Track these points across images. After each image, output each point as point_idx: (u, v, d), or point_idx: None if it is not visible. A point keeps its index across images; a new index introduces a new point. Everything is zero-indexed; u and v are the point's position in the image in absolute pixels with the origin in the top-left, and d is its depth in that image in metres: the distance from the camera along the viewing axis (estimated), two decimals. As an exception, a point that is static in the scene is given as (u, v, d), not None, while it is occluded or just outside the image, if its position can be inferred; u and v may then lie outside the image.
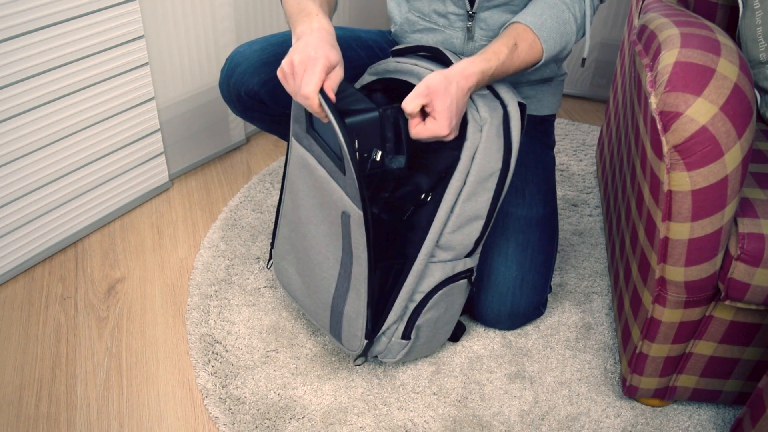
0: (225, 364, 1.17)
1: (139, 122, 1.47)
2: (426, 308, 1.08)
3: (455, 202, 1.02)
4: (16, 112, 1.23)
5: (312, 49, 0.92)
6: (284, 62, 0.94)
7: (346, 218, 0.99)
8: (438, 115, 0.93)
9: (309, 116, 1.04)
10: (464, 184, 1.02)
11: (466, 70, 0.97)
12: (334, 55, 0.94)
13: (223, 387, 1.13)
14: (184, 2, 1.47)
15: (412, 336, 1.09)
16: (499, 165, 1.03)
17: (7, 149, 1.24)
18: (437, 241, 1.04)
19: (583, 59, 1.11)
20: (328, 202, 1.02)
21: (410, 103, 0.93)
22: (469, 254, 1.09)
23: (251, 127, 1.83)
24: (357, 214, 0.96)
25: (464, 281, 1.11)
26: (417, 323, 1.08)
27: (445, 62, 1.06)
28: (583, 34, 1.11)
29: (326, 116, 0.94)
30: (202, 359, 1.18)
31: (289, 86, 0.95)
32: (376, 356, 1.13)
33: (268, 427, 1.07)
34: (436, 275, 1.06)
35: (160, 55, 1.47)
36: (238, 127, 1.75)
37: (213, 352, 1.19)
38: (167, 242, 1.46)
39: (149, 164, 1.54)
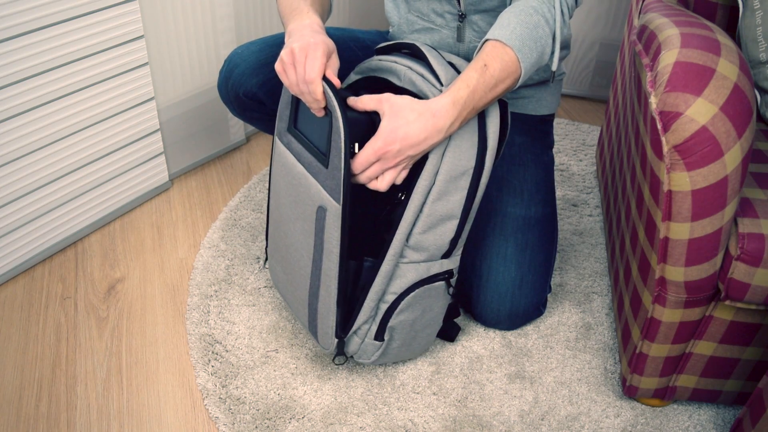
0: (225, 364, 1.17)
1: (139, 122, 1.47)
2: (398, 310, 1.05)
3: (424, 201, 0.98)
4: (16, 112, 1.23)
5: (310, 37, 0.93)
6: (283, 53, 0.94)
7: (321, 213, 0.98)
8: (377, 134, 0.92)
9: (293, 114, 1.04)
10: (433, 183, 0.98)
11: (434, 105, 0.92)
12: (331, 42, 0.95)
13: (223, 387, 1.13)
14: (184, 2, 1.47)
15: (386, 337, 1.08)
16: (472, 163, 0.98)
17: (7, 149, 1.24)
18: (406, 242, 1.01)
19: (553, 73, 1.02)
20: (304, 199, 1.02)
21: (360, 101, 0.93)
22: (446, 255, 1.05)
23: (251, 127, 1.83)
24: (334, 207, 0.95)
25: (441, 283, 1.08)
26: (390, 324, 1.07)
27: (421, 57, 1.03)
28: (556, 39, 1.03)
29: (322, 108, 0.95)
30: (202, 359, 1.18)
31: (289, 76, 0.95)
32: (351, 356, 1.13)
33: (268, 427, 1.07)
34: (409, 276, 1.03)
35: (160, 55, 1.47)
36: (238, 127, 1.75)
37: (213, 352, 1.19)
38: (167, 242, 1.46)
39: (149, 164, 1.54)
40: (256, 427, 1.07)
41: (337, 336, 1.05)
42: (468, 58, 1.19)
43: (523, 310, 1.20)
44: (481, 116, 0.99)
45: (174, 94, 1.55)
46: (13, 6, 1.15)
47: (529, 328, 1.27)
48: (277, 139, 1.09)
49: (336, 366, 1.18)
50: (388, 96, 0.92)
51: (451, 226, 1.02)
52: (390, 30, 1.29)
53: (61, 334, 1.23)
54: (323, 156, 0.97)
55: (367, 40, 1.29)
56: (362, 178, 0.95)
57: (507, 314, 1.20)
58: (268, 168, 1.69)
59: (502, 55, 0.94)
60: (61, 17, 1.23)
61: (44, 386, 1.14)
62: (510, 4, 1.09)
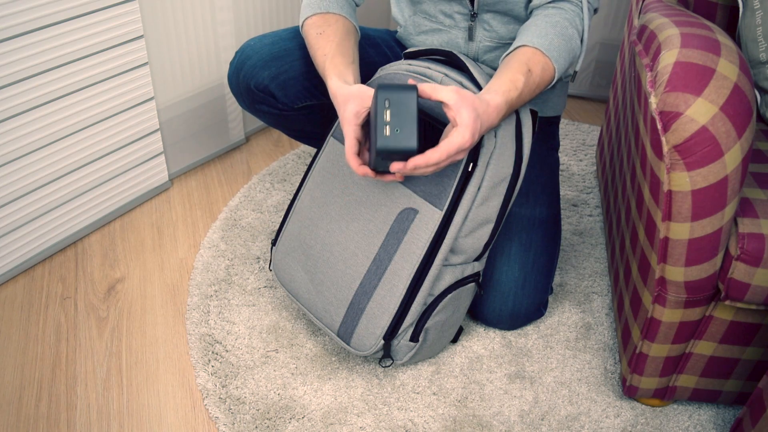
0: (225, 364, 1.17)
1: (139, 122, 1.47)
2: (435, 311, 1.08)
3: (470, 207, 1.03)
4: (16, 112, 1.23)
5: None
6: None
7: (409, 215, 1.02)
8: (463, 125, 0.87)
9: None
10: (479, 189, 1.02)
11: (493, 102, 0.92)
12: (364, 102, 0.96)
13: (223, 387, 1.13)
14: (184, 2, 1.47)
15: (420, 338, 1.10)
16: (510, 170, 1.04)
17: (7, 149, 1.24)
18: (451, 246, 1.05)
19: (575, 73, 1.09)
20: (379, 200, 1.06)
21: (445, 92, 0.87)
22: (478, 258, 1.10)
23: (251, 127, 1.83)
24: (431, 212, 1.00)
25: (472, 285, 1.12)
26: (426, 326, 1.09)
27: (460, 67, 1.06)
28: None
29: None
30: (202, 359, 1.18)
31: None
32: (380, 358, 1.13)
33: (268, 427, 1.07)
34: (447, 279, 1.07)
35: (160, 55, 1.47)
36: (238, 126, 1.75)
37: (213, 352, 1.19)
38: (167, 242, 1.46)
39: (149, 164, 1.54)
40: (256, 427, 1.07)
41: (385, 338, 1.06)
42: (478, 58, 1.20)
43: (524, 310, 1.20)
44: (518, 126, 1.04)
45: (174, 94, 1.55)
46: (13, 6, 1.15)
47: (529, 328, 1.27)
48: (335, 140, 1.10)
49: (336, 366, 1.18)
50: (454, 87, 0.89)
51: (487, 230, 1.07)
52: (398, 30, 1.29)
53: (61, 334, 1.23)
54: None
55: (377, 38, 1.30)
56: (427, 171, 0.90)
57: (509, 314, 1.21)
58: (269, 168, 1.69)
59: (542, 63, 1.00)
60: (61, 17, 1.23)
61: (44, 386, 1.14)
62: (527, 4, 1.10)
